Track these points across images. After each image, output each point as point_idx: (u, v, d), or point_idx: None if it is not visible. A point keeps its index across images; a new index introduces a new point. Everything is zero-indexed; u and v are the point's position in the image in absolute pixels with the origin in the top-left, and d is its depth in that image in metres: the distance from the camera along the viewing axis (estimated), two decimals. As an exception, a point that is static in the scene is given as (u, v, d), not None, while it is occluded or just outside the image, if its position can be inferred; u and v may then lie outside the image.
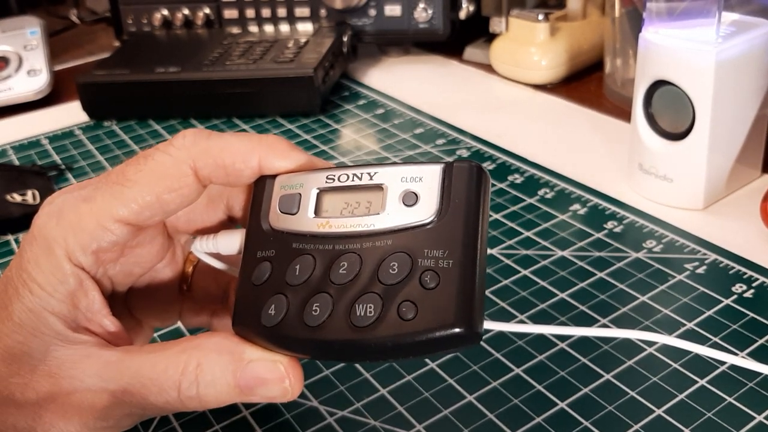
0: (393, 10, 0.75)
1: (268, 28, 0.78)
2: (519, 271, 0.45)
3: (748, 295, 0.42)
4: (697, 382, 0.36)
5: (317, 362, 0.39)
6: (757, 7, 0.49)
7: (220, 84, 0.68)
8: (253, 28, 0.78)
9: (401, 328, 0.26)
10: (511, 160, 0.58)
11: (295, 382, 0.29)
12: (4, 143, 0.68)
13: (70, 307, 0.29)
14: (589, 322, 0.41)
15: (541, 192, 0.53)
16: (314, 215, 0.30)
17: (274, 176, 0.31)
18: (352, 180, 0.30)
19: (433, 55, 0.81)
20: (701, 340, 0.39)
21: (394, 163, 0.30)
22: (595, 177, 0.54)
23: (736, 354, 0.38)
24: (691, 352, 0.38)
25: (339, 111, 0.70)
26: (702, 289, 0.42)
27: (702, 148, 0.48)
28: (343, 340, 0.27)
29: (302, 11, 0.78)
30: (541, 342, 0.39)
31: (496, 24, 0.74)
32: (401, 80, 0.75)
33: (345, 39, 0.73)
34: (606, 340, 0.39)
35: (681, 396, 0.36)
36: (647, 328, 0.40)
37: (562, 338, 0.40)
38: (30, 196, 0.56)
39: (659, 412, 0.35)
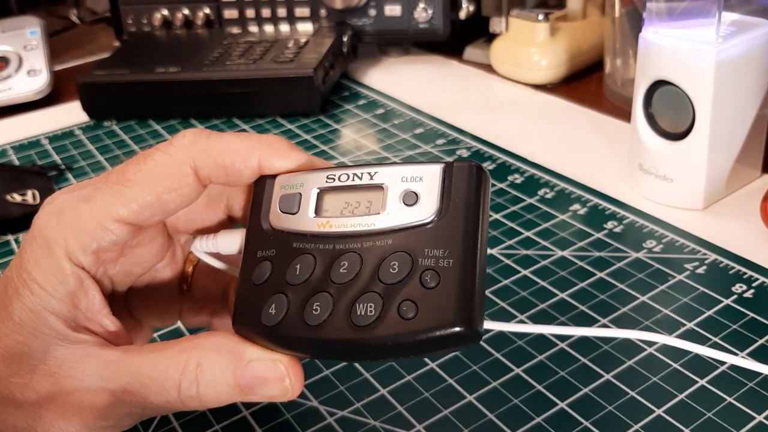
0: (393, 10, 0.75)
1: (268, 28, 0.78)
2: (519, 271, 0.45)
3: (748, 295, 0.42)
4: (697, 382, 0.36)
5: (317, 362, 0.39)
6: (757, 7, 0.49)
7: (220, 84, 0.68)
8: (253, 28, 0.78)
9: (402, 328, 0.26)
10: (511, 160, 0.58)
11: (296, 381, 0.29)
12: (4, 143, 0.68)
13: (70, 307, 0.29)
14: (589, 322, 0.41)
15: (541, 192, 0.53)
16: (314, 215, 0.30)
17: (274, 176, 0.31)
18: (353, 180, 0.30)
19: (433, 55, 0.81)
20: (701, 340, 0.39)
21: (395, 163, 0.30)
22: (595, 177, 0.54)
23: (736, 354, 0.38)
24: (691, 352, 0.38)
25: (339, 111, 0.70)
26: (702, 289, 0.42)
27: (702, 148, 0.48)
28: (344, 339, 0.27)
29: (302, 11, 0.77)
30: (541, 342, 0.39)
31: (496, 24, 0.74)
32: (401, 80, 0.75)
33: (345, 39, 0.73)
34: (606, 340, 0.39)
35: (681, 396, 0.36)
36: (647, 328, 0.40)
37: (562, 338, 0.40)
38: (30, 196, 0.56)
39: (659, 412, 0.35)
